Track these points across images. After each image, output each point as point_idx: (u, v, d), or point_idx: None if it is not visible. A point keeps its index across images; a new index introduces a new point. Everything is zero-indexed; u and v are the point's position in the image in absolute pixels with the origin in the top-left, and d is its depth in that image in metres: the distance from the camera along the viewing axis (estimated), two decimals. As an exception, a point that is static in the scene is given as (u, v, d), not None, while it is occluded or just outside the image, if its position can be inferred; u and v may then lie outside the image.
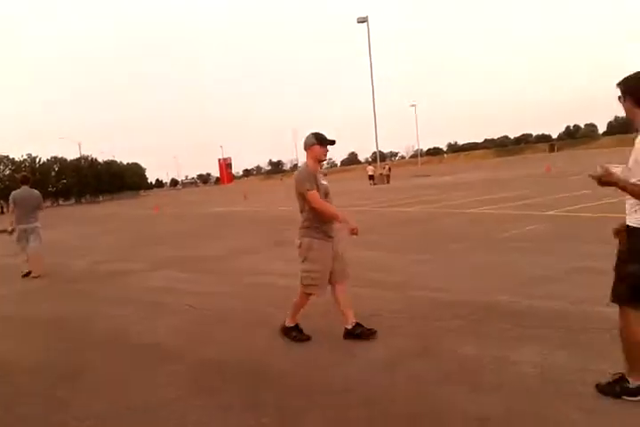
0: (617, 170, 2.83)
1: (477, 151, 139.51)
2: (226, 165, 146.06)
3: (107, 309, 6.38)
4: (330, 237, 4.35)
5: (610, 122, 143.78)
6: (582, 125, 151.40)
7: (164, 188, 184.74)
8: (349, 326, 4.38)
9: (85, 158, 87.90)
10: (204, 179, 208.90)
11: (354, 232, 4.25)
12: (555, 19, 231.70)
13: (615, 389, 2.97)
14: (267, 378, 3.73)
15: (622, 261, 2.92)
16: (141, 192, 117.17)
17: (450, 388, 3.29)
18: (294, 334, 4.50)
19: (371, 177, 40.24)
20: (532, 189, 17.91)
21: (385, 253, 8.38)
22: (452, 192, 20.90)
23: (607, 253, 6.78)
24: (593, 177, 2.78)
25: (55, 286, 8.25)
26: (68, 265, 10.53)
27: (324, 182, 4.39)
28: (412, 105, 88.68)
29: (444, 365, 3.65)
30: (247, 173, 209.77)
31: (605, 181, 2.77)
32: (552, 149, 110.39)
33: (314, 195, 4.20)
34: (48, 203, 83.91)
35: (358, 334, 4.33)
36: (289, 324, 4.53)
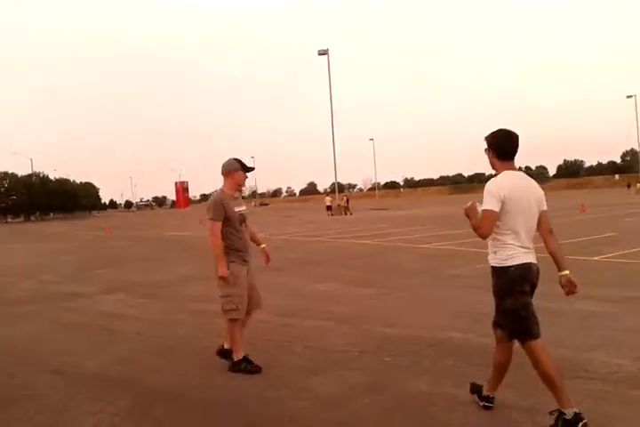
0: (480, 208, 3.27)
1: (433, 187, 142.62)
2: (183, 188, 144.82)
3: (54, 333, 6.13)
4: (245, 261, 4.39)
5: (559, 165, 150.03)
6: (533, 167, 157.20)
7: (118, 209, 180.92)
8: (227, 346, 4.47)
9: (37, 175, 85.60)
10: (160, 202, 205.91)
11: (222, 279, 4.25)
12: (508, 64, 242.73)
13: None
14: (214, 411, 3.63)
15: (497, 298, 3.36)
16: (94, 212, 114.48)
17: (398, 425, 3.27)
18: (244, 365, 4.38)
19: (328, 208, 40.43)
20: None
21: (338, 285, 8.37)
22: (408, 226, 21.19)
23: (557, 294, 6.95)
24: (465, 208, 3.35)
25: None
26: (14, 285, 10.11)
27: (240, 209, 4.40)
28: (371, 139, 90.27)
29: (394, 401, 3.63)
30: (205, 197, 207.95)
31: (466, 213, 3.33)
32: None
33: (214, 225, 4.24)
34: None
35: (240, 367, 4.35)
36: (236, 358, 4.40)
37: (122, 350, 5.19)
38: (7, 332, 6.32)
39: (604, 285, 7.32)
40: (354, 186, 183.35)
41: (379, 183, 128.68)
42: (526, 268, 3.36)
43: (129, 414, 3.63)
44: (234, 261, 4.29)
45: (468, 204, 3.35)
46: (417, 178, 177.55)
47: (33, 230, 41.79)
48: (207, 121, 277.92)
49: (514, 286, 3.29)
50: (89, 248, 19.41)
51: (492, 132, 3.34)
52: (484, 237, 3.25)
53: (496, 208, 3.17)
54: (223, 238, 4.28)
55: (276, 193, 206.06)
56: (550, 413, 3.11)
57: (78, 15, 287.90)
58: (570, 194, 65.75)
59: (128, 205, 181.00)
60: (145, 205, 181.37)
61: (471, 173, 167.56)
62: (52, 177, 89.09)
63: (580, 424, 2.97)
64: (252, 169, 4.53)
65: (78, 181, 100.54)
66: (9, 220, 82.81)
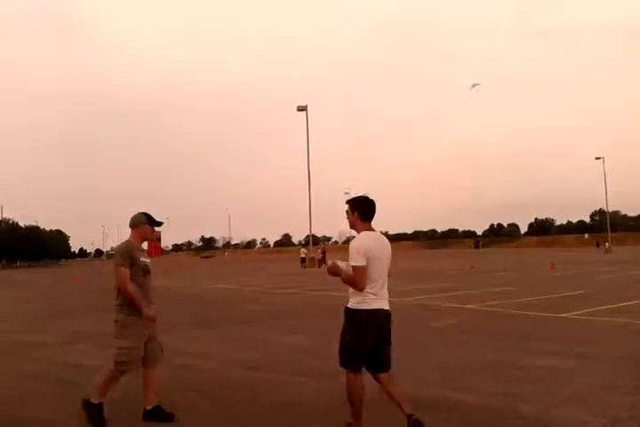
0: (342, 265, 3.87)
1: (407, 242, 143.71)
2: (155, 238, 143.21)
3: (13, 384, 5.88)
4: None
5: (531, 223, 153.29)
6: (505, 224, 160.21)
7: (88, 258, 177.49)
8: (149, 407, 4.40)
9: (6, 222, 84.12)
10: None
11: (150, 319, 4.34)
12: (493, 119, 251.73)
13: None
14: None
15: (342, 332, 3.96)
16: (62, 261, 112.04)
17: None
18: (94, 411, 4.24)
19: (303, 260, 40.28)
20: (456, 282, 18.44)
21: (312, 339, 8.28)
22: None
23: (524, 349, 6.99)
24: (327, 268, 4.01)
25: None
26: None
27: (145, 260, 4.49)
28: (346, 193, 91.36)
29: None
30: (177, 247, 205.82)
31: (332, 272, 3.93)
32: (477, 246, 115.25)
33: (123, 272, 4.27)
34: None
35: (158, 415, 4.36)
36: (94, 400, 4.27)
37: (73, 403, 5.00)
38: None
39: (571, 341, 7.39)
40: (329, 238, 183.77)
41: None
42: (373, 312, 3.86)
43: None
44: (131, 314, 4.28)
45: (329, 263, 4.03)
46: (391, 232, 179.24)
47: (-3, 278, 40.60)
48: (181, 172, 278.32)
49: (357, 327, 3.86)
50: (56, 296, 18.90)
51: (357, 198, 4.04)
52: (363, 288, 3.76)
53: (364, 263, 3.73)
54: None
55: (250, 244, 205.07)
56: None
57: (51, 62, 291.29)
58: (541, 252, 66.87)
59: (98, 253, 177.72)
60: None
61: (445, 228, 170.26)
62: (21, 224, 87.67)
63: None
64: (159, 224, 4.71)
65: (48, 229, 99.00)
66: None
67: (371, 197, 4.05)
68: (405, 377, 5.58)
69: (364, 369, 3.95)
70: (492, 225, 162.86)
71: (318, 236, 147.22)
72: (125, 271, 4.27)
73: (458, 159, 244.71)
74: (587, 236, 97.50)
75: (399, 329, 8.58)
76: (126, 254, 4.33)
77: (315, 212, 42.19)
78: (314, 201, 41.25)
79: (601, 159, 56.82)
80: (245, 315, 11.36)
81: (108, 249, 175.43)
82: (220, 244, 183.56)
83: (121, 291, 4.28)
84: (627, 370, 5.71)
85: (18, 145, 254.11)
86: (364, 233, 3.93)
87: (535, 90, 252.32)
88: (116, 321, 4.33)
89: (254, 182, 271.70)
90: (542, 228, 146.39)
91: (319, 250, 42.37)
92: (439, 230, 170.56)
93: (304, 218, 43.76)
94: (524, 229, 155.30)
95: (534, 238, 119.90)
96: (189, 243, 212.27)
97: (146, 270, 4.44)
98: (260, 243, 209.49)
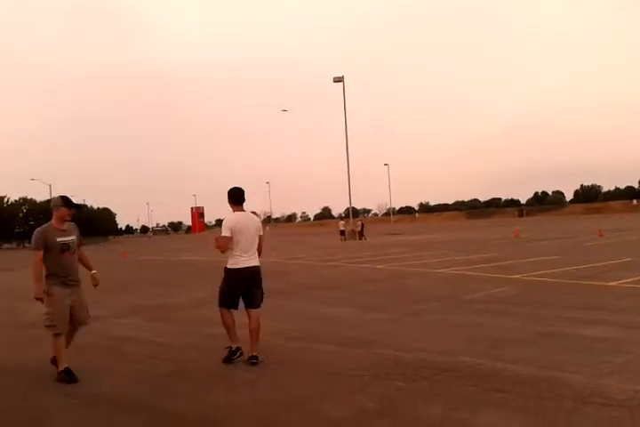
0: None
1: (448, 212, 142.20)
2: (198, 214, 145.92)
3: (76, 357, 6.15)
4: (66, 284, 5.06)
5: (576, 190, 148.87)
6: (550, 192, 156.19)
7: (135, 234, 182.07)
8: (63, 368, 5.04)
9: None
10: (176, 227, 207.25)
11: (35, 298, 5.02)
12: (533, 84, 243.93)
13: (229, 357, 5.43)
14: None
15: (221, 282, 5.58)
16: (110, 238, 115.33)
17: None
18: (63, 376, 4.97)
19: (342, 232, 40.34)
20: (500, 252, 18.19)
21: (350, 309, 8.33)
22: (422, 251, 21.10)
23: (570, 319, 6.87)
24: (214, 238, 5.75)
25: (7, 332, 7.93)
26: (25, 309, 10.18)
27: (65, 239, 5.07)
28: (386, 164, 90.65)
29: (406, 425, 3.59)
30: (219, 222, 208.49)
31: (216, 242, 5.58)
32: (521, 214, 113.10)
33: (36, 255, 5.00)
34: (13, 244, 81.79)
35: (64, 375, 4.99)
36: (59, 369, 5.04)
37: (135, 373, 5.20)
38: (19, 354, 6.34)
39: (619, 310, 7.22)
40: (368, 211, 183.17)
41: (393, 208, 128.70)
42: (242, 270, 5.45)
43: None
44: (54, 284, 4.99)
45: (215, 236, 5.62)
46: (432, 203, 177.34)
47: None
48: (222, 147, 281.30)
49: (229, 280, 5.51)
50: (103, 272, 19.52)
51: (229, 190, 5.59)
52: (222, 251, 5.45)
53: (228, 234, 5.40)
54: (46, 264, 5.01)
55: (291, 218, 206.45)
56: (225, 348, 5.53)
57: (94, 46, 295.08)
58: (587, 219, 65.15)
59: (144, 230, 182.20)
60: (161, 231, 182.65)
61: (487, 197, 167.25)
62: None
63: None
64: (76, 206, 5.29)
65: (96, 207, 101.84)
66: (26, 245, 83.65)
67: (239, 187, 5.64)
68: (449, 349, 5.58)
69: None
70: (536, 193, 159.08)
71: (358, 208, 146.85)
72: (38, 254, 4.97)
73: (501, 127, 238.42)
74: (635, 202, 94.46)
75: (437, 301, 8.61)
76: (38, 237, 4.99)
77: (354, 185, 42.03)
78: (354, 174, 41.08)
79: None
80: (288, 287, 11.50)
81: (154, 225, 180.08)
82: (261, 218, 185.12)
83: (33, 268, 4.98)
84: (679, 339, 5.56)
85: (64, 126, 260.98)
86: (233, 214, 5.54)
87: (580, 52, 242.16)
88: (44, 291, 4.96)
89: (294, 156, 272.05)
90: (589, 195, 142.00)
91: (358, 222, 42.35)
92: (482, 200, 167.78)
93: (343, 191, 43.68)
94: (569, 196, 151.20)
95: (580, 206, 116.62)
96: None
97: (64, 248, 5.04)
98: (301, 217, 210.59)
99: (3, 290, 14.65)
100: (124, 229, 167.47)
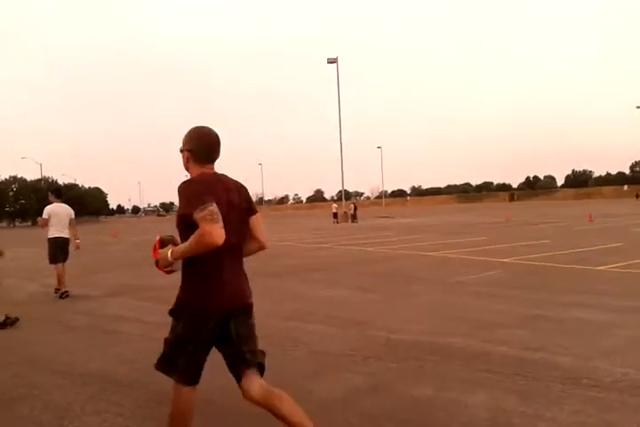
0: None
1: (440, 196, 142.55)
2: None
3: (57, 334, 6.17)
4: None
5: (568, 175, 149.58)
6: (542, 177, 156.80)
7: (126, 214, 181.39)
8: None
9: (46, 180, 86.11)
10: (167, 208, 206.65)
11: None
12: (528, 70, 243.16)
13: None
14: (217, 411, 3.64)
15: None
16: (101, 218, 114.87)
17: (401, 429, 3.27)
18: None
19: (335, 215, 40.45)
20: (491, 236, 18.30)
21: (342, 291, 8.37)
22: (414, 234, 21.18)
23: (560, 303, 6.94)
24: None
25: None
26: (19, 287, 10.16)
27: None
28: (379, 147, 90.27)
29: (397, 404, 3.63)
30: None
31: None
32: (512, 199, 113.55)
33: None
34: (4, 223, 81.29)
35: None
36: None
37: (126, 352, 5.22)
38: (11, 333, 6.35)
39: (607, 294, 7.30)
40: (361, 194, 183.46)
41: (386, 191, 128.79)
42: (56, 239, 8.65)
43: (133, 414, 3.64)
44: None
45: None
46: (424, 186, 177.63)
47: (39, 234, 41.97)
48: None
49: (51, 246, 8.65)
50: (94, 252, 19.48)
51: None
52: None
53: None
54: None
55: (283, 200, 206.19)
56: None
57: (87, 21, 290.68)
58: (578, 204, 65.54)
59: (136, 210, 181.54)
60: (152, 211, 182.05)
61: (479, 182, 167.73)
62: (60, 182, 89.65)
63: None
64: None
65: (86, 186, 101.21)
66: (17, 224, 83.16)
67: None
68: (440, 330, 5.63)
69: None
70: (527, 178, 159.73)
71: (350, 191, 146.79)
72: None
73: (495, 111, 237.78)
74: (626, 187, 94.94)
75: (428, 284, 8.67)
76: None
77: (347, 167, 42.03)
78: (346, 157, 41.02)
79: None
80: (280, 269, 11.53)
81: (145, 206, 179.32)
82: (253, 199, 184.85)
83: None
84: (666, 323, 5.63)
85: (58, 106, 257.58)
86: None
87: (578, 40, 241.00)
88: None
89: (287, 138, 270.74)
90: (580, 180, 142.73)
91: (351, 205, 42.49)
92: (473, 184, 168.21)
93: (336, 174, 43.61)
94: (560, 181, 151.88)
95: (571, 190, 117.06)
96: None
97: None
98: (293, 199, 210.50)
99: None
100: (114, 209, 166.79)
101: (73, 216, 9.10)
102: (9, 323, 6.49)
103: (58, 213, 8.82)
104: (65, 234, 8.85)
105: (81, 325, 6.64)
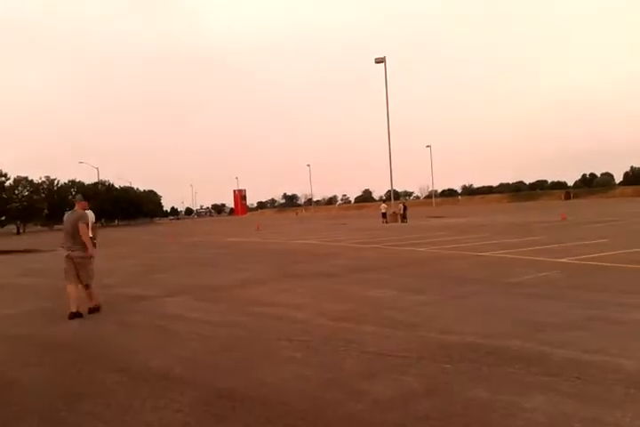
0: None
1: (492, 195, 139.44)
2: (241, 196, 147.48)
3: (118, 333, 6.41)
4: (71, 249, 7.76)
5: (626, 172, 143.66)
6: (599, 174, 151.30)
7: (179, 216, 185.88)
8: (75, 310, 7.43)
9: (103, 183, 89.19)
10: (219, 209, 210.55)
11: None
12: (577, 67, 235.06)
13: None
14: (273, 410, 3.70)
15: None
16: (156, 219, 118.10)
17: (457, 431, 3.24)
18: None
19: (383, 215, 40.16)
20: (546, 236, 17.81)
21: (393, 292, 8.34)
22: (466, 234, 20.84)
23: (621, 303, 6.71)
24: None
25: (64, 309, 8.25)
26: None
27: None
28: (428, 146, 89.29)
29: (451, 406, 3.60)
30: (261, 205, 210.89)
31: None
32: (568, 197, 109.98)
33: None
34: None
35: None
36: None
37: (184, 350, 5.37)
38: (74, 331, 6.65)
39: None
40: (410, 193, 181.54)
41: (436, 191, 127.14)
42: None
43: (191, 411, 3.75)
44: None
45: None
46: (475, 185, 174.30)
47: (100, 236, 43.46)
48: (264, 130, 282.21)
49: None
50: (152, 253, 20.07)
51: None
52: None
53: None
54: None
55: (332, 201, 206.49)
56: None
57: (140, 23, 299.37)
58: (637, 201, 62.95)
59: (189, 212, 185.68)
60: (204, 213, 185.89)
61: (533, 180, 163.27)
62: (116, 185, 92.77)
63: None
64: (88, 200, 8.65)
65: (142, 189, 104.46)
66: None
67: None
68: (494, 332, 5.54)
69: None
70: (583, 175, 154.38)
71: (399, 191, 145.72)
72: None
73: (548, 109, 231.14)
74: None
75: (481, 284, 8.52)
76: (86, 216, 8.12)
77: (396, 167, 41.62)
78: (395, 156, 40.68)
79: None
80: (331, 269, 11.57)
81: (197, 208, 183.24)
82: (301, 201, 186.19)
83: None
84: None
85: (111, 110, 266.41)
86: None
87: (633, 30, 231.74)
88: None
89: (336, 139, 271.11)
90: (639, 177, 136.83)
91: (400, 205, 42.03)
92: (527, 182, 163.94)
93: (385, 174, 43.37)
94: (618, 178, 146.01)
95: (630, 188, 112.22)
96: (273, 200, 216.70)
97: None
98: (341, 199, 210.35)
99: (59, 269, 15.22)
100: (168, 211, 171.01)
101: (87, 220, 7.93)
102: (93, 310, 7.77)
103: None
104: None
105: (141, 324, 6.87)
